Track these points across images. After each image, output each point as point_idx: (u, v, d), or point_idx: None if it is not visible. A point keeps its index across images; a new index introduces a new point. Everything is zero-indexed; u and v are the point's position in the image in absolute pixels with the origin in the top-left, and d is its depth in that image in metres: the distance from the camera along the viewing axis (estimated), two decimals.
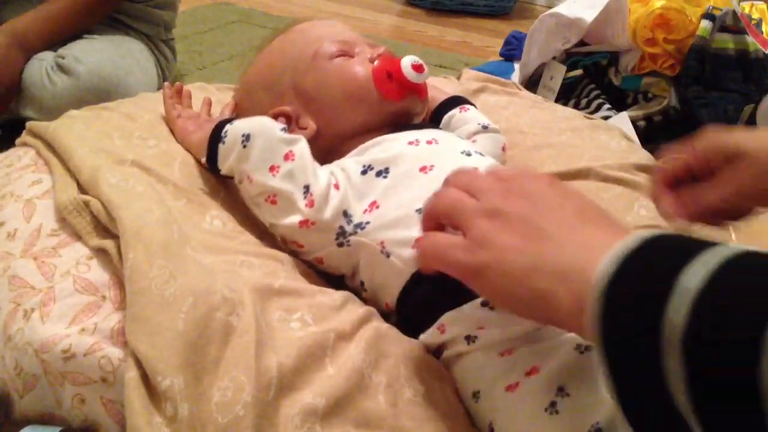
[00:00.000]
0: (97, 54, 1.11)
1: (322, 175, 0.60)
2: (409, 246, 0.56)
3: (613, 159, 0.78)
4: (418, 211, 0.57)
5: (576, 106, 1.22)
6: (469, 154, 0.64)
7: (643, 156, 0.83)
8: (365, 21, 2.18)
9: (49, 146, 0.65)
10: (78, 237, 0.55)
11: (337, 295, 0.55)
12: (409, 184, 0.60)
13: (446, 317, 0.53)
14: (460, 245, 0.43)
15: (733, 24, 1.18)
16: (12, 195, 0.61)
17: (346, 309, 0.54)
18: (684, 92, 1.18)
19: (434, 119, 0.77)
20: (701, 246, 0.33)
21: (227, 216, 0.62)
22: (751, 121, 1.14)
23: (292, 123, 0.70)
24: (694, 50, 1.16)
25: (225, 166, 0.62)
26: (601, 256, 0.35)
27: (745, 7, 1.29)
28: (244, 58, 0.78)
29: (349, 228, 0.59)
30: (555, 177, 0.46)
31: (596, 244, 0.37)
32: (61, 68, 1.08)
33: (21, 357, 0.49)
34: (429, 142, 0.64)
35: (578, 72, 1.29)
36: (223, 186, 0.65)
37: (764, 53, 1.16)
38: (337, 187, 0.60)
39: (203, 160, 0.64)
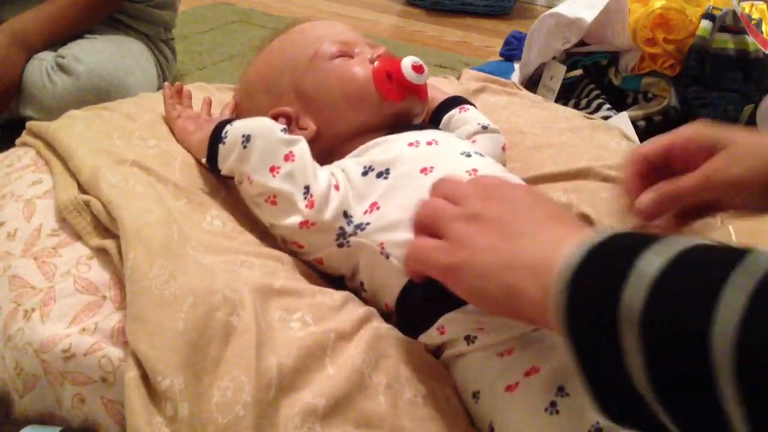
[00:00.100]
0: (97, 54, 1.11)
1: (323, 176, 0.60)
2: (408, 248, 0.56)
3: (613, 159, 0.78)
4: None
5: (576, 106, 1.22)
6: (469, 155, 0.64)
7: None
8: (365, 21, 2.18)
9: (49, 146, 0.65)
10: (78, 237, 0.55)
11: (337, 296, 0.55)
12: (409, 186, 0.60)
13: (446, 318, 0.53)
14: (440, 248, 0.46)
15: (733, 24, 1.18)
16: (12, 195, 0.61)
17: (346, 309, 0.54)
18: (684, 92, 1.18)
19: (434, 119, 0.77)
20: (658, 238, 0.35)
21: (227, 216, 0.62)
22: (751, 121, 1.14)
23: (292, 123, 0.70)
24: (694, 50, 1.16)
25: (225, 166, 0.62)
26: (566, 247, 0.37)
27: (745, 7, 1.29)
28: (244, 58, 0.78)
29: (349, 229, 0.59)
30: (531, 186, 0.49)
31: (563, 240, 0.38)
32: (61, 68, 1.08)
33: (21, 357, 0.49)
34: (429, 143, 0.64)
35: (578, 72, 1.29)
36: (223, 186, 0.65)
37: (764, 53, 1.16)
38: (337, 187, 0.60)
39: (203, 160, 0.64)
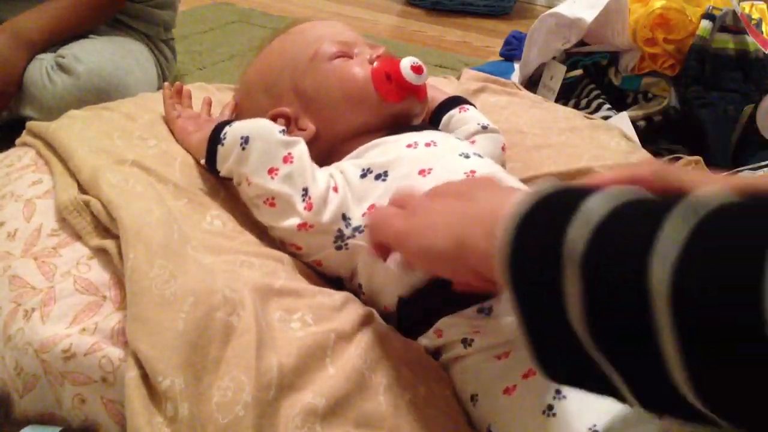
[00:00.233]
0: (98, 54, 1.11)
1: (321, 178, 0.60)
2: None
3: (613, 159, 0.78)
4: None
5: (576, 106, 1.22)
6: (467, 156, 0.64)
7: (643, 156, 0.83)
8: (365, 21, 2.18)
9: (49, 146, 0.65)
10: (78, 237, 0.55)
11: (337, 296, 0.55)
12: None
13: (443, 322, 0.54)
14: (398, 214, 0.48)
15: (733, 24, 1.18)
16: (12, 195, 0.61)
17: (347, 309, 0.54)
18: (684, 92, 1.18)
19: (434, 119, 0.77)
20: (608, 188, 0.35)
21: (227, 216, 0.62)
22: (751, 121, 1.14)
23: (291, 124, 0.70)
24: (694, 50, 1.16)
25: (224, 168, 0.62)
26: (515, 201, 0.37)
27: (745, 7, 1.29)
28: (244, 58, 0.77)
29: (347, 231, 0.59)
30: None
31: (513, 196, 0.39)
32: (62, 68, 1.08)
33: (21, 357, 0.49)
34: (428, 145, 0.64)
35: (578, 72, 1.28)
36: (223, 186, 0.65)
37: (764, 53, 1.16)
38: (336, 189, 0.60)
39: (202, 161, 0.64)
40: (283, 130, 0.62)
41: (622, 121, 1.10)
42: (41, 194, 0.60)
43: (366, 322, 0.54)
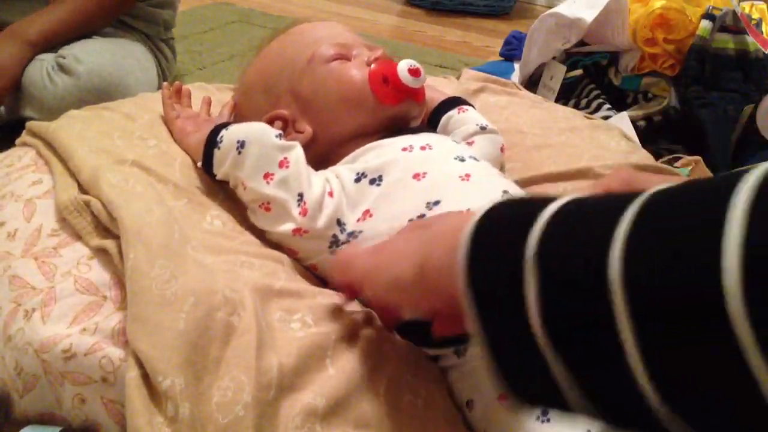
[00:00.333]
0: (98, 54, 1.11)
1: (317, 183, 0.60)
2: None
3: (613, 159, 0.78)
4: (411, 221, 0.57)
5: (576, 106, 1.22)
6: (462, 160, 0.63)
7: (643, 156, 0.83)
8: (365, 21, 2.18)
9: (49, 146, 0.65)
10: (78, 237, 0.55)
11: (337, 297, 0.55)
12: (402, 193, 0.59)
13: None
14: (362, 254, 0.48)
15: (733, 24, 1.18)
16: (12, 195, 0.61)
17: (347, 311, 0.54)
18: (684, 92, 1.18)
19: (432, 120, 0.77)
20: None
21: (227, 216, 0.62)
22: (751, 121, 1.14)
23: (288, 126, 0.69)
24: (694, 50, 1.16)
25: (220, 171, 0.62)
26: (476, 215, 0.37)
27: (745, 7, 1.29)
28: (244, 58, 0.78)
29: (342, 236, 0.59)
30: None
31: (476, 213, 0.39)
32: (62, 68, 1.08)
33: (21, 357, 0.49)
34: (423, 148, 0.64)
35: (578, 72, 1.28)
36: (223, 186, 0.65)
37: (764, 53, 1.16)
38: (331, 194, 0.60)
39: (199, 164, 0.64)
40: (280, 134, 0.61)
41: (622, 121, 1.10)
42: (41, 194, 0.60)
43: (366, 323, 0.54)
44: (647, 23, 1.16)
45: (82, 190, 0.57)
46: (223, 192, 0.65)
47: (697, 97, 1.17)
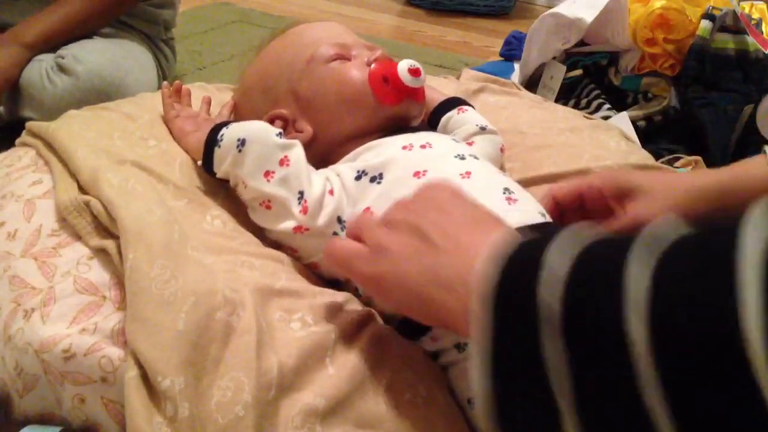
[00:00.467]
0: (97, 54, 1.11)
1: (317, 181, 0.60)
2: None
3: (613, 159, 0.78)
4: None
5: (576, 106, 1.22)
6: (463, 158, 0.63)
7: (643, 156, 0.83)
8: (365, 21, 2.18)
9: (49, 146, 0.65)
10: (78, 237, 0.55)
11: (337, 296, 0.55)
12: (402, 190, 0.59)
13: (437, 329, 0.53)
14: (362, 255, 0.46)
15: (733, 24, 1.18)
16: (12, 195, 0.61)
17: (347, 310, 0.54)
18: (684, 92, 1.18)
19: (432, 121, 0.77)
20: (558, 231, 0.35)
21: (228, 216, 0.62)
22: (751, 121, 1.14)
23: (288, 126, 0.70)
24: (694, 50, 1.16)
25: (221, 170, 0.62)
26: (478, 259, 0.37)
27: (745, 7, 1.29)
28: (244, 58, 0.78)
29: (343, 235, 0.59)
30: (453, 186, 0.49)
31: (476, 251, 0.39)
32: (61, 68, 1.08)
33: (21, 357, 0.49)
34: (423, 147, 0.64)
35: (578, 72, 1.28)
36: (223, 186, 0.65)
37: (764, 53, 1.16)
38: (332, 193, 0.60)
39: (199, 162, 0.64)
40: (280, 133, 0.62)
41: (622, 121, 1.10)
42: (41, 194, 0.60)
43: (366, 322, 0.53)
44: (647, 23, 1.16)
45: (82, 190, 0.57)
46: (223, 192, 0.65)
47: (697, 97, 1.17)
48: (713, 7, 1.17)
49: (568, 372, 0.31)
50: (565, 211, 0.63)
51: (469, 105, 0.78)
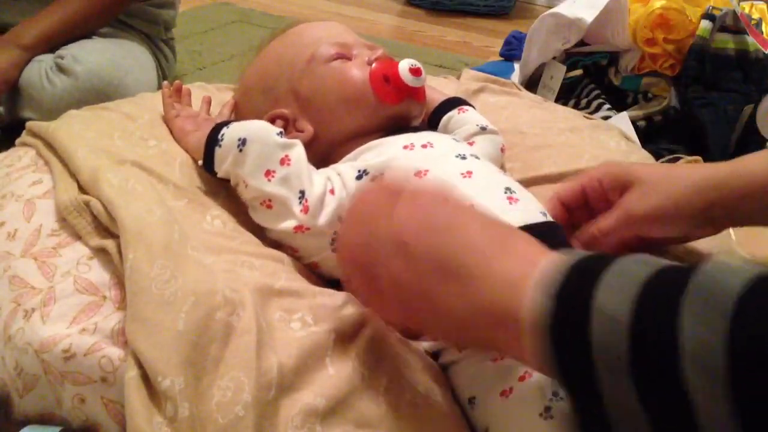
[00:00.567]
0: (97, 54, 1.11)
1: (318, 181, 0.60)
2: None
3: (613, 159, 0.78)
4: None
5: (576, 106, 1.22)
6: (464, 158, 0.63)
7: (643, 156, 0.83)
8: (365, 21, 2.18)
9: (49, 146, 0.65)
10: (78, 237, 0.55)
11: (337, 296, 0.55)
12: None
13: None
14: (390, 305, 0.44)
15: (733, 24, 1.18)
16: (12, 195, 0.61)
17: (347, 310, 0.54)
18: (684, 92, 1.18)
19: (432, 121, 0.77)
20: (608, 262, 0.35)
21: (228, 216, 0.62)
22: (751, 121, 1.14)
23: (289, 125, 0.70)
24: (694, 50, 1.16)
25: (221, 169, 0.62)
26: (525, 293, 0.36)
27: (745, 7, 1.29)
28: (244, 58, 0.78)
29: None
30: (465, 202, 0.47)
31: (515, 280, 0.38)
32: (61, 68, 1.08)
33: (21, 357, 0.49)
34: (424, 146, 0.64)
35: (578, 72, 1.28)
36: (223, 186, 0.65)
37: (764, 53, 1.16)
38: (333, 192, 0.60)
39: (200, 162, 0.64)
40: (281, 132, 0.62)
41: (622, 121, 1.10)
42: (41, 194, 0.60)
43: (366, 322, 0.53)
44: (647, 23, 1.16)
45: (82, 190, 0.57)
46: (223, 192, 0.65)
47: (697, 97, 1.17)
48: (713, 7, 1.17)
49: (639, 407, 0.31)
50: (573, 210, 0.63)
51: (470, 105, 0.79)
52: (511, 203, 0.59)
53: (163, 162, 0.63)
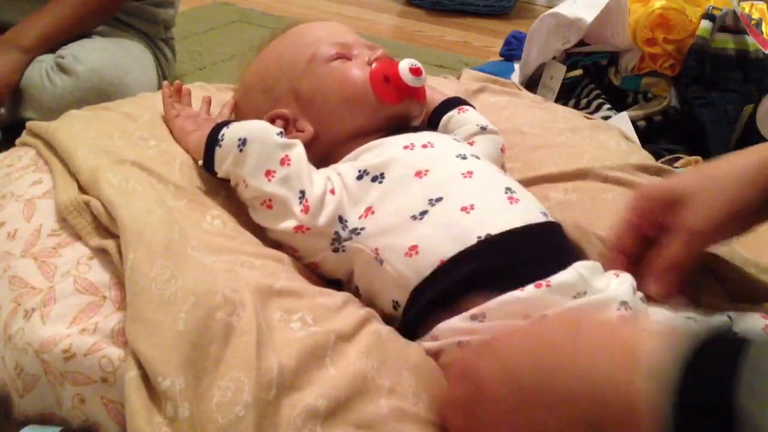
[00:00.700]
0: (97, 53, 1.11)
1: (318, 181, 0.60)
2: (401, 254, 0.56)
3: (613, 159, 0.77)
4: (413, 218, 0.57)
5: (576, 106, 1.22)
6: (464, 158, 0.63)
7: (643, 156, 0.83)
8: (365, 21, 2.18)
9: (49, 146, 0.65)
10: (78, 237, 0.55)
11: (337, 296, 0.55)
12: (404, 190, 0.60)
13: (438, 329, 0.53)
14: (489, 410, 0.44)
15: (733, 24, 1.18)
16: (12, 195, 0.61)
17: (347, 310, 0.54)
18: (684, 92, 1.18)
19: (432, 121, 0.77)
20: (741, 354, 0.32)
21: (228, 216, 0.62)
22: (751, 121, 1.14)
23: (289, 125, 0.70)
24: (694, 50, 1.16)
25: (221, 169, 0.62)
26: (630, 371, 0.35)
27: (745, 7, 1.29)
28: (244, 58, 0.78)
29: (344, 234, 0.59)
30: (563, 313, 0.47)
31: (618, 356, 0.36)
32: (61, 68, 1.08)
33: (21, 357, 0.49)
34: (424, 146, 0.64)
35: (578, 72, 1.29)
36: (223, 186, 0.65)
37: (764, 53, 1.16)
38: (333, 192, 0.60)
39: (200, 162, 0.64)
40: (281, 132, 0.62)
41: (622, 121, 1.10)
42: (41, 194, 0.60)
43: (366, 322, 0.53)
44: (647, 23, 1.16)
45: (82, 190, 0.57)
46: (223, 192, 0.65)
47: (697, 97, 1.17)
48: (713, 7, 1.17)
49: None
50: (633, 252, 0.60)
51: (470, 105, 0.79)
52: (511, 203, 0.59)
53: (163, 162, 0.63)
